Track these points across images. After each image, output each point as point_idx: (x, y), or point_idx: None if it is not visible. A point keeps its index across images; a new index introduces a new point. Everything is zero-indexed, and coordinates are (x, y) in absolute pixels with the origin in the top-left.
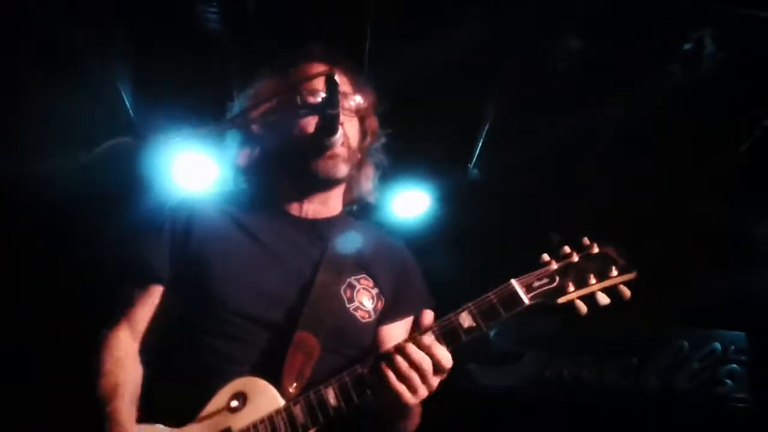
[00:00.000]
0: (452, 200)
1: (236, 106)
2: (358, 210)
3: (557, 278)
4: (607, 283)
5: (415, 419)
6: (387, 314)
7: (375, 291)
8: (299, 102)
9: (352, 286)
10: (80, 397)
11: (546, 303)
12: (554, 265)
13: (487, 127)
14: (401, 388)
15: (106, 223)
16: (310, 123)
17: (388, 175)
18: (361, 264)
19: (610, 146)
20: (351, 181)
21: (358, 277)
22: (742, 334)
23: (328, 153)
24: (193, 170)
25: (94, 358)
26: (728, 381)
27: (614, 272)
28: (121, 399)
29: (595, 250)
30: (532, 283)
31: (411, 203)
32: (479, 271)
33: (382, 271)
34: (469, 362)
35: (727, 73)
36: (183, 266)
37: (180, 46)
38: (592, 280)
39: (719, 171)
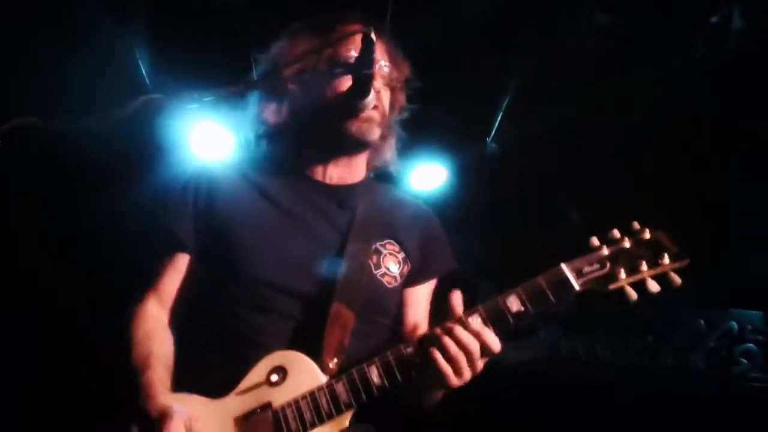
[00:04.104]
0: (470, 174)
1: (263, 65)
2: (380, 177)
3: (608, 264)
4: (658, 270)
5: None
6: (413, 277)
7: (401, 256)
8: (332, 61)
9: (378, 252)
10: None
11: (596, 289)
12: (605, 251)
13: (506, 101)
14: (448, 370)
15: (132, 183)
16: (343, 83)
17: (405, 147)
18: (386, 229)
19: (629, 122)
20: (375, 150)
21: (384, 242)
22: (759, 313)
23: (363, 115)
24: (210, 139)
25: (124, 331)
26: (744, 360)
27: (666, 259)
28: (154, 370)
29: (647, 235)
30: (583, 268)
31: (428, 176)
32: (497, 244)
33: (408, 235)
34: None
35: (753, 50)
36: (208, 235)
37: (197, 12)
38: (644, 267)
39: (739, 149)
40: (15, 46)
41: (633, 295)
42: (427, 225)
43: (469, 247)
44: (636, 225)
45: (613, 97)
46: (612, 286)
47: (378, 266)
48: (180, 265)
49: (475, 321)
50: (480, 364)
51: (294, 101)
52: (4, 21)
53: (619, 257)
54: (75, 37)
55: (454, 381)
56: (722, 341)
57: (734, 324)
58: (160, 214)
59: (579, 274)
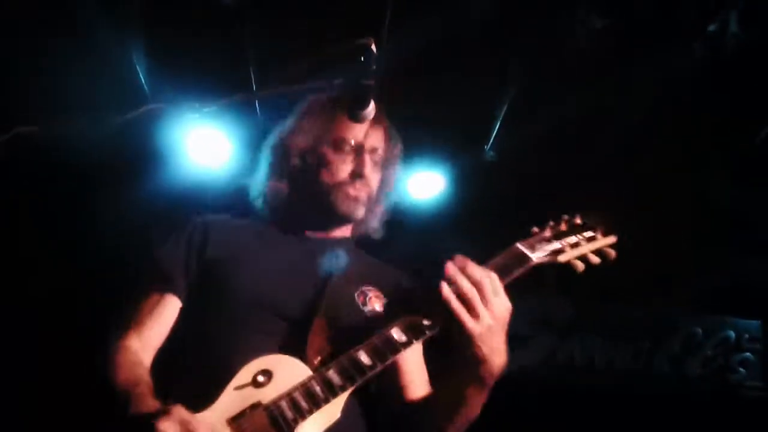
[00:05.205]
0: (467, 181)
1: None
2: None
3: (554, 241)
4: (595, 245)
5: (481, 401)
6: None
7: (385, 301)
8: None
9: (365, 294)
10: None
11: (549, 261)
12: (547, 232)
13: (504, 108)
14: (462, 311)
15: (130, 189)
16: (343, 96)
17: (402, 155)
18: (370, 279)
19: (627, 127)
20: (359, 222)
21: (370, 288)
22: (756, 322)
23: (351, 194)
24: (208, 146)
25: (105, 361)
26: (741, 369)
27: (599, 236)
28: (145, 386)
29: (578, 220)
30: (534, 245)
31: (426, 185)
32: (494, 253)
33: (388, 291)
34: None
35: (750, 56)
36: (200, 276)
37: (195, 18)
38: (583, 243)
39: (738, 155)
40: (13, 53)
41: (580, 266)
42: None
43: (467, 255)
44: (565, 216)
45: (613, 98)
46: (561, 259)
47: (365, 304)
48: (166, 307)
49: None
50: (493, 301)
51: (291, 176)
52: (3, 28)
53: (561, 236)
54: (74, 44)
55: (472, 324)
56: (719, 349)
57: (731, 333)
58: (152, 254)
59: (532, 249)
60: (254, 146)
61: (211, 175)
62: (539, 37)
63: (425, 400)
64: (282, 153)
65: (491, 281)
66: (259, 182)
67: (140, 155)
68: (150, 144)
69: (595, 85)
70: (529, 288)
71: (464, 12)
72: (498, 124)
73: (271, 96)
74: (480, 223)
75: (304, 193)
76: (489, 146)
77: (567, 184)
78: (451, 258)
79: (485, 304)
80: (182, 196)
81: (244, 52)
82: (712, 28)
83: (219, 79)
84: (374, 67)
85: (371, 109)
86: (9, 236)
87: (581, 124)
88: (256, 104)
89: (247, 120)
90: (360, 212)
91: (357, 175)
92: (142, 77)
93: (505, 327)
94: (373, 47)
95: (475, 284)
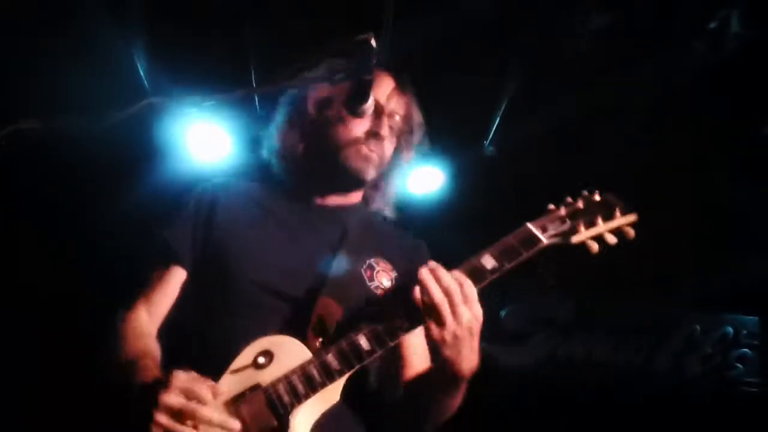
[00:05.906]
0: (467, 177)
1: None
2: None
3: (568, 221)
4: (613, 224)
5: (457, 399)
6: None
7: (393, 274)
8: (334, 68)
9: (371, 267)
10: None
11: (561, 243)
12: (562, 211)
13: (504, 103)
14: (429, 317)
15: (131, 184)
16: (344, 89)
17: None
18: (378, 248)
19: (628, 124)
20: (370, 189)
21: (377, 259)
22: (754, 318)
23: (363, 152)
24: (208, 141)
25: (113, 331)
26: (739, 365)
27: (618, 214)
28: (150, 359)
29: (597, 197)
30: (546, 225)
31: (425, 180)
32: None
33: (399, 260)
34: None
35: (753, 53)
36: (205, 249)
37: (195, 14)
38: (600, 221)
39: (739, 153)
40: (14, 49)
41: (595, 246)
42: (418, 255)
43: (466, 251)
44: (585, 191)
45: (613, 98)
46: (574, 239)
47: (371, 279)
48: (174, 279)
49: (455, 272)
50: (463, 313)
51: (306, 128)
52: (4, 24)
53: (576, 215)
54: (74, 40)
55: (435, 331)
56: (718, 346)
57: (730, 329)
58: (159, 227)
59: (544, 230)
60: (254, 142)
61: (211, 170)
62: (539, 37)
63: (408, 394)
64: (299, 101)
65: (462, 289)
66: (272, 134)
67: (140, 149)
68: (150, 138)
69: (596, 84)
70: (531, 285)
71: (468, 6)
72: (498, 119)
73: (271, 91)
74: (480, 218)
75: (316, 148)
76: (488, 141)
77: (567, 180)
78: (425, 263)
79: (453, 313)
80: (181, 192)
81: (245, 47)
82: (713, 25)
83: (219, 74)
84: (375, 61)
85: (371, 104)
86: (9, 233)
87: (581, 121)
88: (256, 99)
89: (247, 115)
90: (371, 173)
91: (373, 134)
92: (142, 72)
93: (475, 335)
94: (373, 42)
95: (445, 292)
